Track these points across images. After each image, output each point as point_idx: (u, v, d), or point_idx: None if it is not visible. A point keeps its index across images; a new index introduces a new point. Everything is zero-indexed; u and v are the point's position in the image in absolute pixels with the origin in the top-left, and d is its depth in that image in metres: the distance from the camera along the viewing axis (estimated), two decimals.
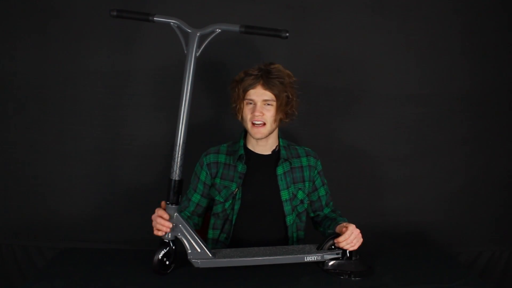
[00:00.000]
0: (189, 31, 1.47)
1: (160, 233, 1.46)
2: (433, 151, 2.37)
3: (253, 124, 1.63)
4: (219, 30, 1.47)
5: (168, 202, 1.46)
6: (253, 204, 1.71)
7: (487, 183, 2.41)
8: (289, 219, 1.73)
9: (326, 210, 1.83)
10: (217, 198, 1.71)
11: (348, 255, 1.54)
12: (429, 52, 2.31)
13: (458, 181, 2.40)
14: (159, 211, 1.47)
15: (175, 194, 1.46)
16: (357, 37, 2.27)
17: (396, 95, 2.32)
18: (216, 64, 2.19)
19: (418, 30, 2.29)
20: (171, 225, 1.45)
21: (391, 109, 2.32)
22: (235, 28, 1.45)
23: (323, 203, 1.81)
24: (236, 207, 1.70)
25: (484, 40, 2.32)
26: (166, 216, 1.45)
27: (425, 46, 2.30)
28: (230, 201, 1.70)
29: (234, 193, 1.69)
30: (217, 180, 1.71)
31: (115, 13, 1.49)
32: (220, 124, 2.25)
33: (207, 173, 1.72)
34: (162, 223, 1.45)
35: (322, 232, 1.80)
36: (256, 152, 1.74)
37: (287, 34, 1.43)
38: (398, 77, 2.31)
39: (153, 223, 1.47)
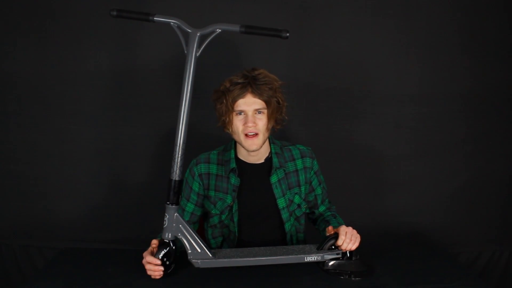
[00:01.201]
0: (189, 31, 1.47)
1: (154, 277, 1.46)
2: (433, 151, 2.37)
3: (246, 135, 1.55)
4: (219, 30, 1.47)
5: (168, 202, 1.46)
6: (251, 215, 1.68)
7: (487, 183, 2.41)
8: (288, 226, 1.71)
9: (321, 208, 1.80)
10: (213, 211, 1.68)
11: (348, 255, 1.54)
12: (429, 52, 2.31)
13: (458, 181, 2.40)
14: (148, 258, 1.45)
15: (175, 194, 1.46)
16: (357, 37, 2.27)
17: (396, 95, 2.32)
18: (213, 64, 2.19)
19: (418, 30, 2.29)
20: (162, 268, 1.44)
21: (391, 109, 2.32)
22: (235, 28, 1.45)
23: (319, 201, 1.78)
24: (235, 219, 1.67)
25: (484, 40, 2.32)
26: (156, 261, 1.44)
27: (425, 46, 2.30)
28: (227, 214, 1.67)
29: (230, 205, 1.66)
30: (211, 193, 1.67)
31: (115, 13, 1.49)
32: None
33: (199, 183, 1.67)
34: (153, 269, 1.44)
35: (318, 230, 1.79)
36: (248, 162, 1.67)
37: (288, 34, 1.41)
38: (398, 77, 2.31)
39: (145, 268, 1.46)
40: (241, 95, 1.52)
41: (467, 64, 2.33)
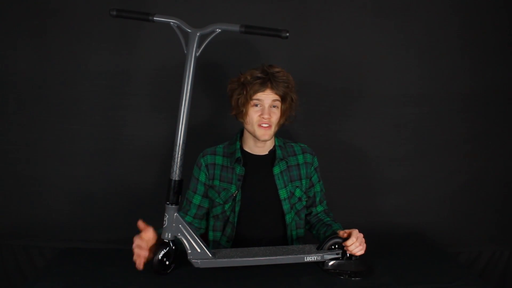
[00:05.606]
0: (189, 31, 1.47)
1: (137, 266, 1.46)
2: (433, 151, 2.37)
3: (260, 126, 1.63)
4: (219, 30, 1.47)
5: (167, 202, 1.46)
6: (253, 205, 1.71)
7: (487, 183, 2.41)
8: (288, 218, 1.74)
9: (319, 208, 1.83)
10: (217, 200, 1.72)
11: (348, 255, 1.54)
12: (429, 52, 2.31)
13: (458, 181, 2.40)
14: (137, 241, 1.46)
15: (175, 194, 1.46)
16: (357, 37, 2.27)
17: (396, 95, 2.32)
18: (213, 64, 2.19)
19: (418, 30, 2.29)
20: (146, 254, 1.45)
21: (391, 109, 2.32)
22: (235, 28, 1.45)
23: (317, 199, 1.82)
24: (237, 209, 1.70)
25: (484, 40, 2.32)
26: (143, 244, 1.45)
27: (425, 46, 2.30)
28: (230, 203, 1.70)
29: (234, 195, 1.69)
30: (216, 182, 1.71)
31: (114, 13, 1.49)
32: (219, 124, 2.25)
33: (206, 174, 1.72)
34: (137, 252, 1.45)
35: (315, 236, 1.81)
36: (253, 153, 1.74)
37: (287, 34, 1.42)
38: (398, 77, 2.31)
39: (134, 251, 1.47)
40: (261, 89, 1.61)
41: (467, 64, 2.33)
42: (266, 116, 1.62)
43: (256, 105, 1.63)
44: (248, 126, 1.67)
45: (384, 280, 1.48)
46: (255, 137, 1.67)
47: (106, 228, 2.30)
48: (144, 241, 1.46)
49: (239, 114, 1.66)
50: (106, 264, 1.56)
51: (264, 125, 1.63)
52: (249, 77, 1.62)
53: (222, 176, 1.71)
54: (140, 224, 1.49)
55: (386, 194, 2.39)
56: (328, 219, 1.80)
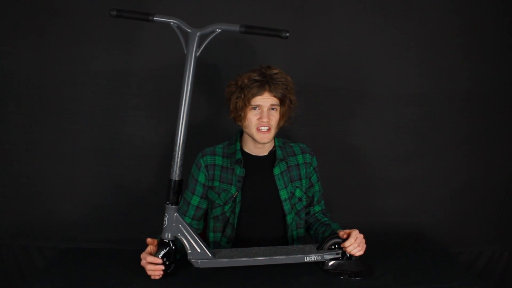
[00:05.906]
0: (189, 31, 1.47)
1: (154, 278, 1.46)
2: (433, 151, 2.37)
3: (259, 129, 1.62)
4: (219, 30, 1.47)
5: (168, 202, 1.46)
6: (253, 206, 1.71)
7: (487, 183, 2.41)
8: (289, 218, 1.73)
9: (317, 208, 1.84)
10: (216, 201, 1.71)
11: (348, 255, 1.54)
12: (429, 52, 2.31)
13: (458, 181, 2.40)
14: (149, 258, 1.45)
15: (175, 194, 1.46)
16: (357, 37, 2.27)
17: (396, 95, 2.31)
18: (213, 64, 2.19)
19: (418, 30, 2.29)
20: (163, 267, 1.45)
21: (391, 109, 2.32)
22: (235, 28, 1.45)
23: (315, 199, 1.83)
24: (237, 210, 1.70)
25: (484, 40, 2.32)
26: (158, 260, 1.45)
27: (425, 46, 2.30)
28: (230, 204, 1.70)
29: (234, 196, 1.69)
30: (216, 183, 1.71)
31: (114, 13, 1.49)
32: (219, 124, 2.25)
33: (205, 175, 1.71)
34: (154, 268, 1.45)
35: (313, 236, 1.81)
36: (253, 154, 1.74)
37: (287, 34, 1.42)
38: (398, 77, 2.31)
39: (146, 269, 1.46)
40: (259, 93, 1.59)
41: (467, 64, 2.33)
42: (265, 119, 1.61)
43: (255, 108, 1.62)
44: (247, 130, 1.66)
45: (384, 280, 1.48)
46: (254, 140, 1.66)
47: (106, 228, 2.30)
48: (156, 258, 1.45)
49: (238, 118, 1.65)
50: (106, 264, 1.56)
51: (263, 128, 1.62)
52: (246, 80, 1.60)
53: (222, 177, 1.71)
54: (150, 240, 1.49)
55: (386, 194, 2.39)
56: (326, 219, 1.80)
